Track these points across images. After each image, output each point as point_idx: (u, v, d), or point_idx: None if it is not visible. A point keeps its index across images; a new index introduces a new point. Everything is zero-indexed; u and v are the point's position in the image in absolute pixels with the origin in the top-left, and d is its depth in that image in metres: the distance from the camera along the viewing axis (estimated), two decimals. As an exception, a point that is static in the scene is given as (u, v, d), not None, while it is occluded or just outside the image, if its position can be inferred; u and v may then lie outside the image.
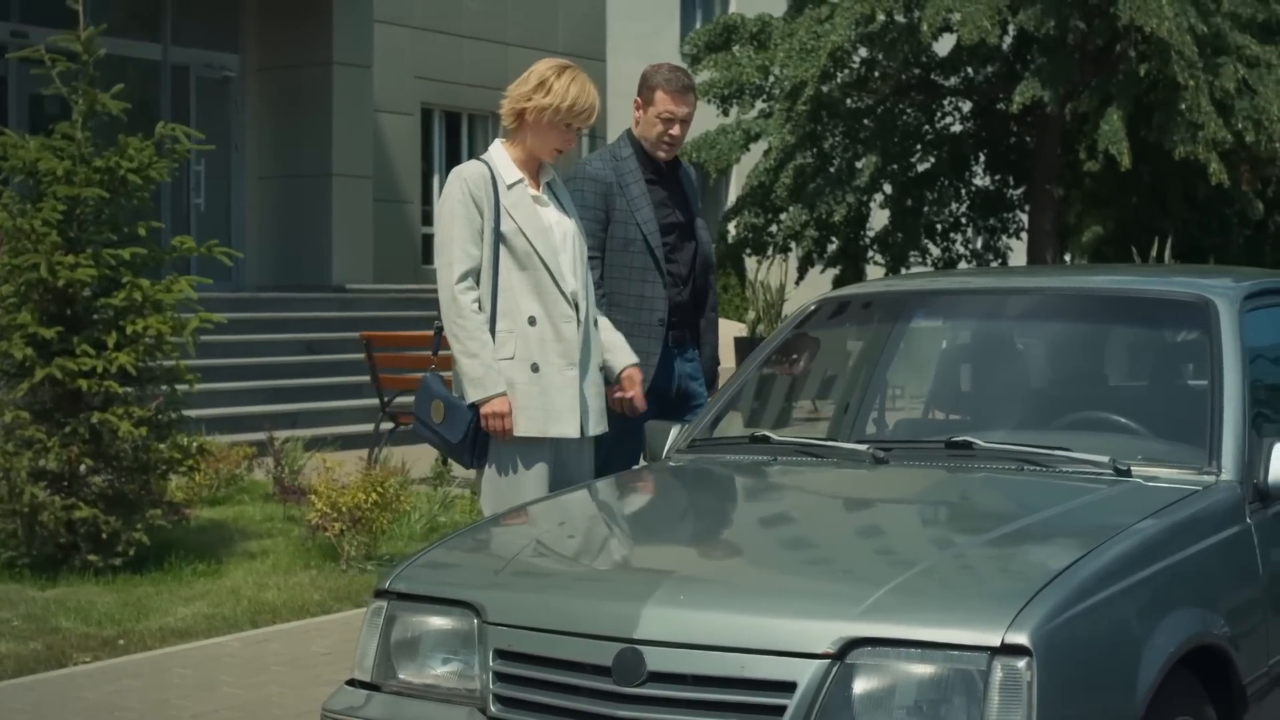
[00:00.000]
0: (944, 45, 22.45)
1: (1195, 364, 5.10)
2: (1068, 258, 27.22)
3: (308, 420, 15.04)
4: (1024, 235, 24.78)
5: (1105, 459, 4.68)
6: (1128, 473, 4.64)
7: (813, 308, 5.93)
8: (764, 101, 22.92)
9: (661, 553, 4.54)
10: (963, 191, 24.72)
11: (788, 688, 3.66)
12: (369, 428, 13.79)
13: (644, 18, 27.02)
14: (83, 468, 8.72)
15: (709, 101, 22.13)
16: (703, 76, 22.53)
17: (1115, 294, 5.68)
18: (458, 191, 5.72)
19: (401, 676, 4.27)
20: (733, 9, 27.20)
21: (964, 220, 25.10)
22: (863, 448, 5.05)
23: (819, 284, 24.34)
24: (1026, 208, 24.49)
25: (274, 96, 20.15)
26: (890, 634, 3.66)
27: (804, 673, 3.66)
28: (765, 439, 5.28)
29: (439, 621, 4.24)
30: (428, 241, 23.15)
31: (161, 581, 8.40)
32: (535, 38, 23.07)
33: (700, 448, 5.42)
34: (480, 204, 5.71)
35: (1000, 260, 25.80)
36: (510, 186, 5.78)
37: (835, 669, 3.65)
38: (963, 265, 25.53)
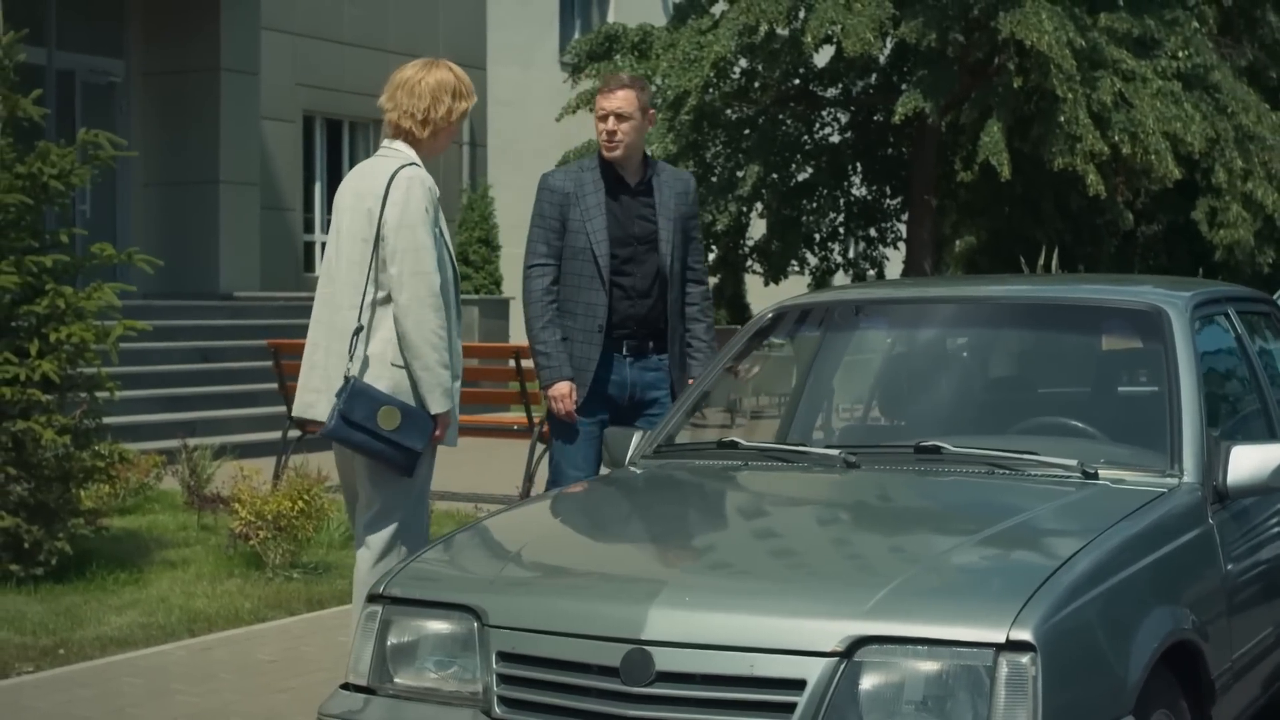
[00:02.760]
0: (822, 56, 22.68)
1: (1150, 370, 5.27)
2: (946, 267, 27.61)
3: (205, 429, 14.89)
4: (901, 245, 25.11)
5: (1074, 462, 4.83)
6: (1095, 476, 4.79)
7: (770, 315, 6.03)
8: (647, 111, 23.01)
9: (660, 554, 4.62)
10: (841, 201, 25.00)
11: (797, 685, 3.75)
12: (267, 436, 13.74)
13: (523, 26, 27.01)
14: (3, 476, 8.62)
15: (590, 109, 22.19)
16: (585, 86, 22.64)
17: (1070, 304, 5.83)
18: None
19: (398, 680, 4.31)
20: (611, 19, 27.30)
21: (842, 230, 25.39)
22: (834, 453, 5.16)
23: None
24: (904, 218, 24.82)
25: (160, 102, 19.92)
26: (897, 631, 3.77)
27: (813, 670, 3.75)
28: (733, 444, 5.36)
29: (437, 625, 4.28)
30: (310, 249, 23.01)
31: (87, 591, 8.33)
32: (416, 45, 22.95)
33: (666, 453, 5.50)
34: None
35: (877, 270, 26.12)
36: (439, 197, 5.78)
37: (844, 666, 3.75)
38: (840, 276, 25.85)
